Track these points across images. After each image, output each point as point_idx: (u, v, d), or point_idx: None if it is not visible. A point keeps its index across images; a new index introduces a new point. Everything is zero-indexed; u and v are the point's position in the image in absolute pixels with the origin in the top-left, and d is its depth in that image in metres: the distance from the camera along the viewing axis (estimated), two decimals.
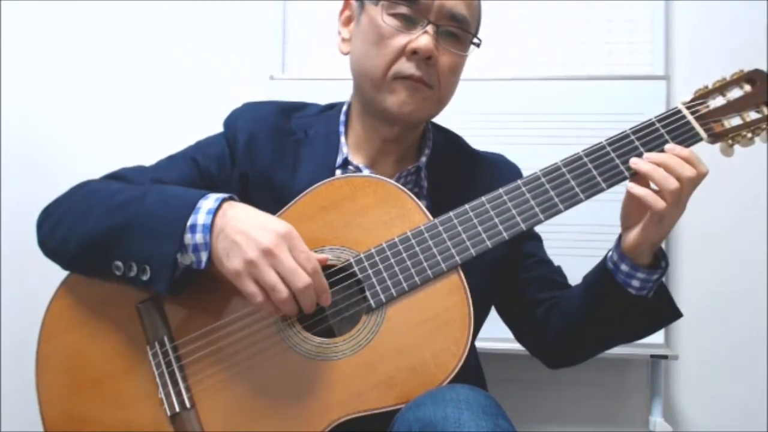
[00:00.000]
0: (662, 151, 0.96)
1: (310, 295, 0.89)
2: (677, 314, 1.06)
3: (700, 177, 0.93)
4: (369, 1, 1.05)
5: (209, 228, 0.91)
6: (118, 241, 0.95)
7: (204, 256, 0.92)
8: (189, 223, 0.92)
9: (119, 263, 0.94)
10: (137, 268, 0.93)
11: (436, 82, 1.04)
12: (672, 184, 0.92)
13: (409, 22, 1.02)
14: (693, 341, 1.77)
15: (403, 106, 1.04)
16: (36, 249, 1.04)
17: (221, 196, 0.95)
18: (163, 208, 0.95)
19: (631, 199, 0.98)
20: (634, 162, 0.96)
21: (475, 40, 1.08)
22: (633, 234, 0.97)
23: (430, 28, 1.01)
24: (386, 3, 1.03)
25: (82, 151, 1.94)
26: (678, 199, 0.92)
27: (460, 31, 1.04)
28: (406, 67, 1.02)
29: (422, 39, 1.01)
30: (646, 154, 0.96)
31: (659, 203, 0.92)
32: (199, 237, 0.92)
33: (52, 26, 1.97)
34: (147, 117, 1.95)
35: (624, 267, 1.00)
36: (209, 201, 0.94)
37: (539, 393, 1.81)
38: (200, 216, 0.92)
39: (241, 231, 0.90)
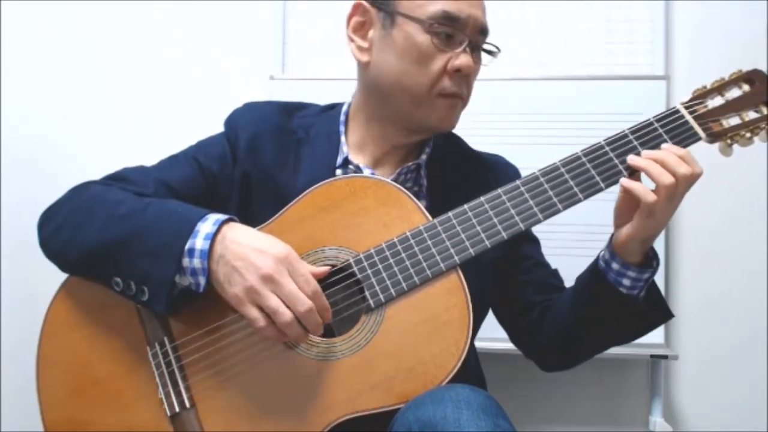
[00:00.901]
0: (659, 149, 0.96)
1: (314, 318, 0.90)
2: (668, 315, 1.06)
3: (695, 176, 0.93)
4: (406, 18, 1.04)
5: (207, 254, 0.92)
6: (118, 256, 0.95)
7: (202, 281, 0.93)
8: (187, 247, 0.92)
9: (119, 280, 0.95)
10: (136, 287, 0.94)
11: (467, 93, 1.09)
12: (668, 179, 0.92)
13: (449, 39, 1.04)
14: (693, 341, 1.77)
15: (444, 121, 1.08)
16: (36, 249, 1.04)
17: (220, 218, 0.95)
18: (162, 226, 0.95)
19: (623, 195, 0.98)
20: (631, 158, 0.96)
21: (493, 49, 1.11)
22: (624, 230, 0.97)
23: (468, 48, 1.04)
24: (425, 22, 1.02)
25: (82, 151, 1.94)
26: (672, 195, 0.92)
27: (489, 46, 1.09)
28: (448, 85, 1.05)
29: (464, 58, 1.04)
30: (643, 152, 0.96)
31: (650, 196, 0.92)
32: (197, 262, 0.92)
33: (52, 26, 1.98)
34: (147, 117, 1.95)
35: (615, 265, 1.00)
36: (207, 224, 0.94)
37: (539, 393, 1.81)
38: (198, 241, 0.92)
39: (241, 256, 0.90)
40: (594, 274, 1.03)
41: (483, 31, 1.07)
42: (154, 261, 0.93)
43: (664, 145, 0.96)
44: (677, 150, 0.95)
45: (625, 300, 1.01)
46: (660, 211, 0.93)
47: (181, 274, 0.93)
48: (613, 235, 1.02)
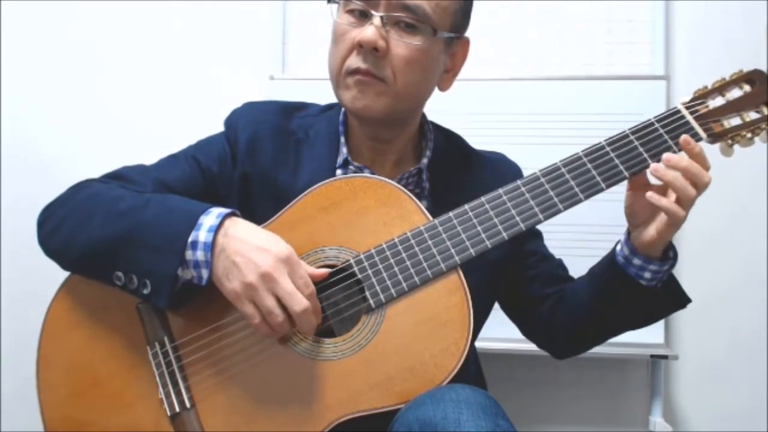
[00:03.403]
0: (670, 147, 0.97)
1: (308, 319, 0.90)
2: (686, 300, 1.07)
3: (709, 179, 0.95)
4: (334, 2, 1.07)
5: (210, 246, 0.92)
6: (119, 252, 0.95)
7: (205, 274, 0.93)
8: (190, 239, 0.92)
9: (120, 274, 0.95)
10: (138, 281, 0.94)
11: (390, 75, 1.01)
12: (691, 192, 0.93)
13: (362, 17, 1.02)
14: (693, 341, 1.77)
15: (355, 101, 1.03)
16: (36, 249, 1.04)
17: (223, 211, 0.95)
18: (164, 220, 0.95)
19: (635, 198, 0.99)
20: (655, 168, 0.95)
21: (443, 34, 1.04)
22: (647, 235, 0.98)
23: (376, 20, 1.00)
24: (342, 2, 1.04)
25: (82, 150, 1.94)
26: (692, 204, 0.95)
27: (414, 21, 1.01)
28: (354, 61, 1.02)
29: (366, 30, 1.00)
30: (664, 156, 0.95)
31: (681, 213, 0.94)
32: (200, 254, 0.92)
33: (52, 26, 1.97)
34: (147, 117, 1.95)
35: (636, 261, 1.01)
36: (210, 217, 0.94)
37: (539, 393, 1.81)
38: (201, 233, 0.92)
39: (242, 253, 0.90)
40: (612, 268, 1.04)
41: (406, 8, 1.00)
42: (157, 254, 0.93)
43: (682, 138, 0.96)
44: (693, 147, 0.95)
45: (645, 291, 1.02)
46: (684, 219, 0.95)
47: (183, 267, 0.93)
48: (629, 233, 1.02)
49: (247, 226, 0.95)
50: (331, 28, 1.07)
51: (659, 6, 1.78)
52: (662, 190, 0.96)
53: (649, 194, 0.96)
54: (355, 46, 1.01)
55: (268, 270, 0.89)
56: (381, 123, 1.07)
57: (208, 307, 0.98)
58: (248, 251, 0.90)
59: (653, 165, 0.96)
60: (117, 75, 1.96)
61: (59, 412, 0.99)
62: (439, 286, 0.95)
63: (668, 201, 0.94)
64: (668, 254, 1.02)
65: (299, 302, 0.89)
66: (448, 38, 1.05)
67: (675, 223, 0.95)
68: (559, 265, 1.21)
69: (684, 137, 0.96)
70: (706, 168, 0.95)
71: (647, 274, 1.01)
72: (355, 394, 0.91)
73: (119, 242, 0.95)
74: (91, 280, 1.00)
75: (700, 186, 0.94)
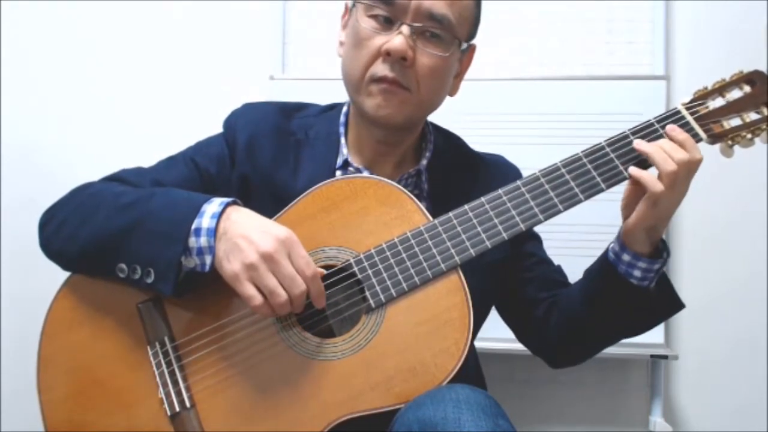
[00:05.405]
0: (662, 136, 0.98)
1: (302, 303, 0.91)
2: (680, 305, 1.06)
3: (694, 162, 0.94)
4: (356, 4, 1.05)
5: (214, 232, 0.92)
6: (123, 243, 0.95)
7: (208, 260, 0.93)
8: (193, 226, 0.93)
9: (123, 265, 0.95)
10: (141, 270, 0.94)
11: (414, 84, 1.02)
12: (670, 165, 0.93)
13: (386, 23, 1.02)
14: (693, 341, 1.78)
15: (379, 109, 1.03)
16: (36, 249, 1.04)
17: (225, 200, 0.95)
18: (167, 211, 0.95)
19: (632, 188, 0.99)
20: (638, 143, 0.96)
21: (464, 44, 1.05)
22: (630, 219, 0.98)
23: (404, 29, 1.00)
24: (365, 5, 1.03)
25: (81, 151, 1.94)
26: (673, 183, 0.93)
27: (440, 31, 1.01)
28: (380, 68, 1.01)
29: (395, 40, 0.99)
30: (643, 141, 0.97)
31: (657, 185, 0.93)
32: (203, 240, 0.92)
33: (52, 26, 1.98)
34: (147, 117, 1.95)
35: (626, 257, 1.00)
36: (213, 205, 0.94)
37: (539, 393, 1.81)
38: (204, 220, 0.93)
39: (243, 235, 0.91)
40: (604, 266, 1.04)
41: (433, 17, 1.00)
42: (161, 242, 0.93)
43: (668, 127, 0.97)
44: (678, 135, 0.96)
45: (635, 291, 1.01)
46: (664, 200, 0.94)
47: (186, 255, 0.94)
48: (621, 228, 1.02)
49: (248, 213, 0.95)
50: (352, 30, 1.05)
51: (659, 6, 1.78)
52: None
53: (631, 168, 0.96)
54: (381, 54, 1.01)
55: (269, 250, 0.89)
56: (393, 129, 1.07)
57: (209, 306, 0.98)
58: (249, 233, 0.90)
59: (636, 141, 0.97)
60: (117, 75, 1.96)
61: (59, 412, 0.99)
62: (439, 286, 0.95)
63: (647, 173, 0.95)
64: (661, 254, 1.01)
65: (299, 285, 0.89)
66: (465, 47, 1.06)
67: (652, 201, 0.94)
68: (557, 270, 1.20)
69: (669, 126, 0.97)
70: (695, 158, 0.95)
71: (637, 272, 1.00)
72: (354, 394, 0.91)
73: (123, 234, 0.96)
74: (92, 277, 1.01)
75: (679, 162, 0.93)
